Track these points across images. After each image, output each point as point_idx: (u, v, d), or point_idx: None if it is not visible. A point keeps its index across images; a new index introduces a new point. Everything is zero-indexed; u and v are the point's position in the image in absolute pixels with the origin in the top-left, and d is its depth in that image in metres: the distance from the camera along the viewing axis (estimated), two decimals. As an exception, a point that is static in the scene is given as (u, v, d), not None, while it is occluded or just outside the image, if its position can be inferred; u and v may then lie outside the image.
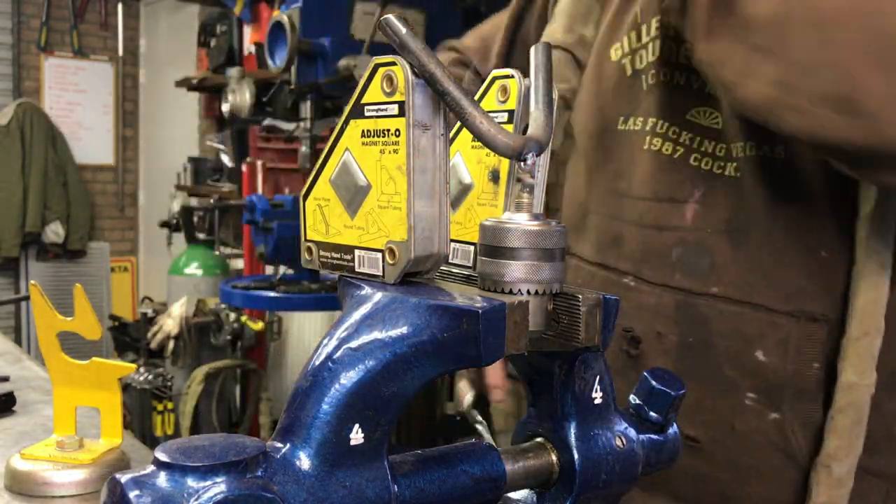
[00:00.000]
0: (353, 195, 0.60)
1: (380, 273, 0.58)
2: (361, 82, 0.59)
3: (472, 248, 0.64)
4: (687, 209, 0.88)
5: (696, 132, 0.89)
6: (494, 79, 0.65)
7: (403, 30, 0.55)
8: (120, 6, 6.41)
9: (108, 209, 6.51)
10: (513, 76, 0.63)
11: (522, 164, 0.56)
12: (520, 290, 0.54)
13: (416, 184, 0.56)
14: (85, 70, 6.34)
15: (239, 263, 4.42)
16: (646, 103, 0.93)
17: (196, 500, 0.45)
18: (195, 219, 4.44)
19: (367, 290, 0.57)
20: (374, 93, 0.57)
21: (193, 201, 4.96)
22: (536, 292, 0.54)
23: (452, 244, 0.62)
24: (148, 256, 6.59)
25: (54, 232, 5.92)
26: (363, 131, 0.58)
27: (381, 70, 0.57)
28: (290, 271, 3.26)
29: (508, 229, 0.54)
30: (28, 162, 5.80)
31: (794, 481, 0.85)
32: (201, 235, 4.45)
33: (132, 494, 0.45)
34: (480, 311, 0.49)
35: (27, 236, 5.85)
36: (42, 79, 6.18)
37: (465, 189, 0.65)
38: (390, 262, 0.57)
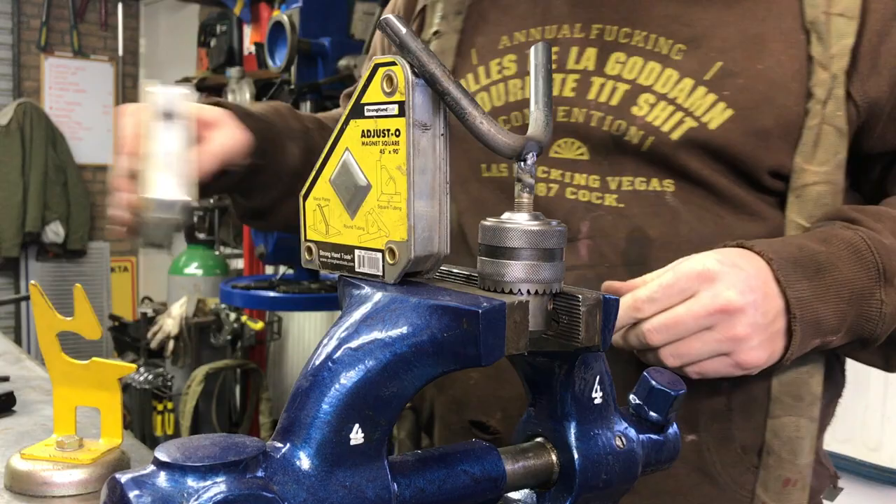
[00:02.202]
0: (353, 195, 0.60)
1: (380, 273, 0.58)
2: (361, 82, 0.59)
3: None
4: (580, 246, 0.87)
5: (564, 168, 0.88)
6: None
7: (403, 30, 0.55)
8: (120, 6, 6.41)
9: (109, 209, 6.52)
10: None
11: (522, 164, 0.56)
12: (520, 290, 0.54)
13: (416, 184, 0.56)
14: (85, 70, 6.33)
15: (239, 263, 4.42)
16: None
17: (196, 500, 0.45)
18: (195, 219, 4.44)
19: (367, 290, 0.56)
20: (375, 93, 0.57)
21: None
22: (536, 292, 0.54)
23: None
24: (148, 256, 6.59)
25: (54, 232, 5.92)
26: (363, 131, 0.58)
27: (382, 70, 0.57)
28: (290, 271, 3.26)
29: (508, 229, 0.54)
30: (28, 162, 5.79)
31: (711, 494, 0.88)
32: (201, 235, 4.45)
33: (132, 494, 0.45)
34: (480, 311, 0.49)
35: (27, 236, 5.85)
36: (42, 79, 6.18)
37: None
38: (390, 262, 0.57)
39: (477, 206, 0.94)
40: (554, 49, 0.90)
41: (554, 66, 0.90)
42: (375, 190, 0.58)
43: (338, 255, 0.62)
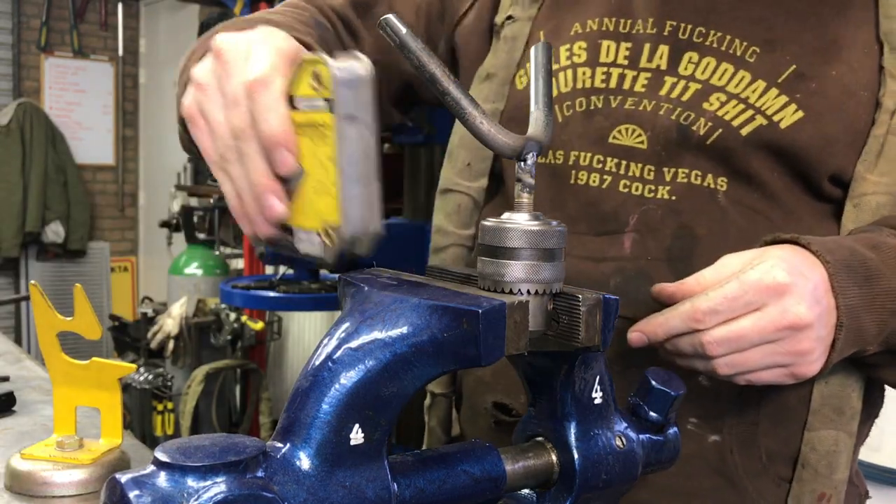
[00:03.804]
0: (293, 180, 0.62)
1: (321, 254, 0.61)
2: (291, 77, 0.61)
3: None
4: (625, 239, 0.86)
5: (620, 156, 0.88)
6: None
7: (403, 29, 0.55)
8: (120, 6, 6.40)
9: (108, 209, 6.51)
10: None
11: (522, 164, 0.56)
12: (520, 290, 0.54)
13: (346, 172, 0.58)
14: (85, 70, 6.33)
15: (239, 263, 4.42)
16: (563, 135, 0.91)
17: (196, 500, 0.45)
18: (195, 219, 4.43)
19: (367, 290, 0.57)
20: (304, 87, 0.60)
21: (193, 201, 4.96)
22: (536, 292, 0.54)
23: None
24: (148, 256, 6.58)
25: (54, 232, 5.92)
26: (296, 122, 0.61)
27: (309, 67, 0.59)
28: (290, 271, 3.26)
29: (508, 229, 0.54)
30: (28, 162, 5.79)
31: (731, 500, 0.87)
32: (201, 235, 4.44)
33: (132, 494, 0.45)
34: (480, 311, 0.49)
35: (27, 236, 5.84)
36: (42, 79, 6.18)
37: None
38: (328, 243, 0.60)
39: None
40: (626, 45, 0.90)
41: (626, 63, 0.90)
42: (311, 177, 0.61)
43: (282, 236, 0.65)
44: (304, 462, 0.50)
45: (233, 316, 3.86)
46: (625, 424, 0.63)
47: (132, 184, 6.63)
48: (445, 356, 0.51)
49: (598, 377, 0.61)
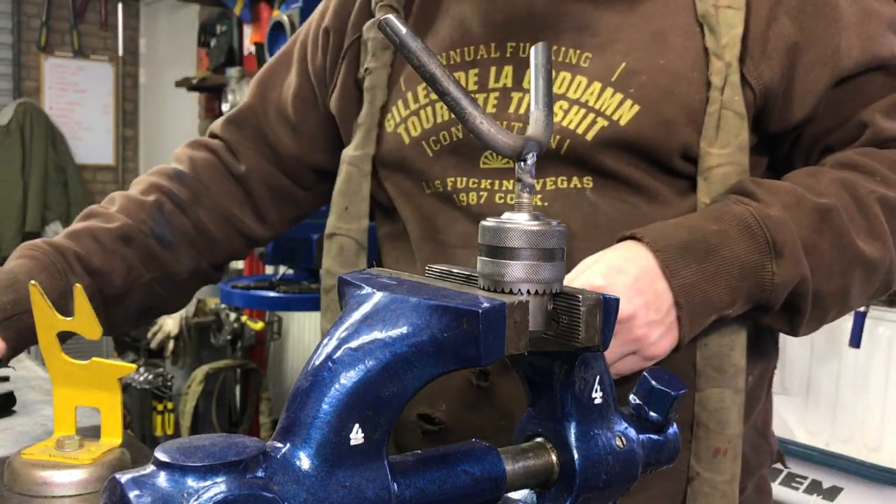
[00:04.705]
0: None
1: None
2: None
3: None
4: None
5: (492, 176, 0.93)
6: None
7: (403, 30, 0.55)
8: (120, 6, 6.40)
9: (108, 209, 6.51)
10: None
11: (522, 163, 0.56)
12: (520, 290, 0.54)
13: None
14: (85, 70, 6.33)
15: (239, 263, 4.42)
16: (437, 167, 0.96)
17: (196, 500, 0.45)
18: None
19: (367, 289, 0.57)
20: None
21: (193, 201, 4.94)
22: (536, 292, 0.54)
23: None
24: (148, 256, 6.57)
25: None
26: None
27: None
28: (290, 271, 3.26)
29: (509, 229, 0.55)
30: (28, 162, 5.79)
31: (652, 475, 0.91)
32: (201, 235, 4.43)
33: (132, 494, 0.46)
34: (480, 311, 0.49)
35: (27, 236, 5.84)
36: (42, 79, 6.18)
37: None
38: None
39: (422, 216, 1.00)
40: (474, 71, 0.96)
41: (476, 87, 0.95)
42: None
43: None
44: (304, 462, 0.50)
45: (233, 316, 3.86)
46: (625, 424, 0.63)
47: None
48: (445, 356, 0.51)
49: (598, 377, 0.61)
